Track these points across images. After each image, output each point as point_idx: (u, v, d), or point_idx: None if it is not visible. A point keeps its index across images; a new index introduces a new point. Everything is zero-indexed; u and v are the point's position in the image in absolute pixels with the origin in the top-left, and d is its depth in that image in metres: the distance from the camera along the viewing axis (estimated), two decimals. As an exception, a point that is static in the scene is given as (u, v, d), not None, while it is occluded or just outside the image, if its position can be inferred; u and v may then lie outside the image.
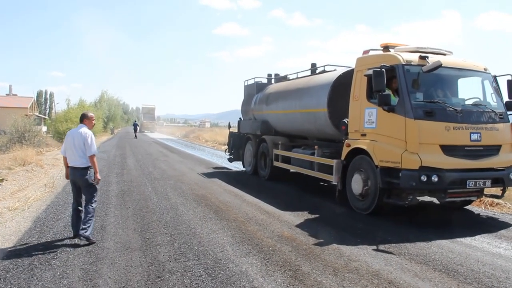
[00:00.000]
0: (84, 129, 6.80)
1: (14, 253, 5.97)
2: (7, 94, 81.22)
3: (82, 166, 6.70)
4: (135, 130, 50.80)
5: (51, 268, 5.41)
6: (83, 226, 6.57)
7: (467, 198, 8.97)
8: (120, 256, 5.90)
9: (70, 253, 6.02)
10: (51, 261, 5.66)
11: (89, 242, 6.48)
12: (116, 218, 8.13)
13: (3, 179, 11.74)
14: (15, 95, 80.00)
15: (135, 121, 61.97)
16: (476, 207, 9.97)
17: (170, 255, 5.97)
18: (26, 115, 43.60)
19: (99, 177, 6.76)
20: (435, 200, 9.97)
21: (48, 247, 6.28)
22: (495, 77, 9.21)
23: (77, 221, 6.75)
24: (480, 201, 10.09)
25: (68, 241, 6.56)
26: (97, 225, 7.48)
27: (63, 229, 7.27)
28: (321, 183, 13.15)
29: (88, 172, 6.71)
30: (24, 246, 6.33)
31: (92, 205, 6.75)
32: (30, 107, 69.74)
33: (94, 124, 7.15)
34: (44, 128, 55.32)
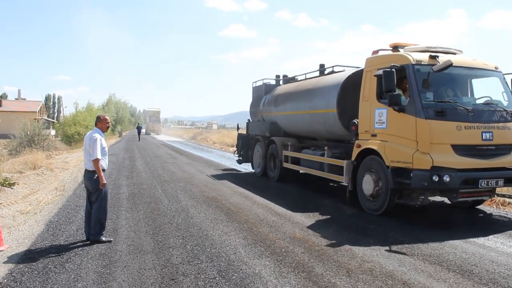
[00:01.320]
0: (94, 133, 6.84)
1: (29, 257, 6.00)
2: (16, 99, 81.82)
3: (90, 169, 6.77)
4: (139, 133, 51.92)
5: (66, 271, 5.43)
6: (91, 232, 6.71)
7: (479, 198, 8.91)
8: (133, 259, 5.92)
9: (83, 256, 6.04)
10: (65, 264, 5.68)
11: (104, 242, 6.60)
12: (127, 220, 8.15)
13: (15, 182, 11.80)
14: (24, 99, 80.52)
15: (139, 124, 63.14)
16: (487, 207, 9.91)
17: (183, 258, 5.98)
18: (35, 119, 43.87)
19: (103, 181, 6.72)
20: (446, 200, 9.92)
21: (61, 250, 6.31)
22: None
23: (89, 224, 6.82)
24: (492, 200, 10.03)
25: (81, 244, 6.59)
26: (109, 228, 7.51)
27: (75, 232, 7.30)
28: (331, 184, 13.13)
29: (96, 175, 6.74)
30: (38, 249, 6.36)
31: (99, 209, 6.77)
32: (39, 111, 70.16)
33: (108, 126, 7.15)
34: (53, 132, 55.63)
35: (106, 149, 6.98)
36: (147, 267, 5.62)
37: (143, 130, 65.19)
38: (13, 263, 5.76)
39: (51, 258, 5.95)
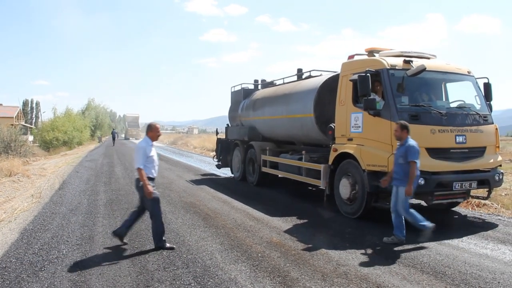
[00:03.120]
0: (141, 142, 6.86)
1: (1, 266, 5.90)
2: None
3: (137, 177, 6.77)
4: (114, 138, 52.97)
5: (39, 280, 5.36)
6: (154, 239, 6.82)
7: (454, 200, 9.05)
8: (108, 266, 5.87)
9: (58, 264, 5.97)
10: (39, 273, 5.61)
11: (167, 248, 6.65)
12: (104, 227, 8.08)
13: (-11, 190, 11.61)
14: (0, 104, 79.26)
15: (113, 129, 64.00)
16: (463, 209, 10.07)
17: (159, 264, 5.95)
18: (12, 124, 43.27)
19: (148, 190, 6.53)
20: (422, 203, 10.04)
21: (35, 258, 6.22)
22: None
23: (126, 223, 7.01)
24: (467, 202, 10.20)
25: (56, 252, 6.50)
26: (85, 235, 7.46)
27: (50, 240, 7.21)
28: (310, 188, 13.20)
29: (140, 183, 6.68)
30: (11, 258, 6.25)
31: (152, 217, 6.81)
32: (16, 117, 69.14)
33: (159, 135, 7.05)
34: (31, 138, 54.87)
35: (155, 157, 6.86)
36: (122, 274, 5.58)
37: (122, 135, 66.45)
38: (-15, 273, 5.67)
39: (24, 267, 5.86)
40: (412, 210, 7.12)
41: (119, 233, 6.93)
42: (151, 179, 6.74)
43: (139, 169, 6.60)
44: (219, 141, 17.66)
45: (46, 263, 6.02)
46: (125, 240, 6.96)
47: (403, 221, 7.14)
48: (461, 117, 8.51)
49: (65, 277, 5.47)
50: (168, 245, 6.76)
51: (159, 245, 6.71)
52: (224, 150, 16.96)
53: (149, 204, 6.78)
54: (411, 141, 7.05)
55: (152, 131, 6.90)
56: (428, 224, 6.99)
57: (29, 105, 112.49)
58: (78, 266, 5.90)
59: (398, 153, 7.14)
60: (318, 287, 5.17)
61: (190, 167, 21.43)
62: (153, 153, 6.85)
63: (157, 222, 6.79)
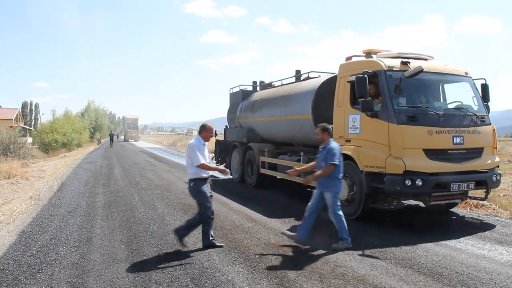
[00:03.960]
0: (193, 141, 6.85)
1: (-1, 268, 5.92)
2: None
3: (191, 177, 6.79)
4: (111, 140, 53.42)
5: (36, 282, 5.37)
6: (181, 226, 6.98)
7: (452, 201, 9.05)
8: (106, 268, 5.88)
9: (55, 266, 5.97)
10: (36, 275, 5.62)
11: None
12: (102, 229, 8.09)
13: (-12, 192, 11.62)
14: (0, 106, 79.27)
15: (111, 131, 65.25)
16: (461, 209, 10.09)
17: (157, 266, 5.96)
18: (11, 126, 43.22)
19: (223, 169, 7.15)
20: (420, 204, 10.05)
21: (33, 260, 6.23)
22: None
23: (203, 230, 6.97)
24: (465, 203, 10.21)
25: (54, 254, 6.51)
26: (83, 237, 7.47)
27: (48, 242, 7.22)
28: (308, 189, 13.18)
29: (192, 184, 6.74)
30: (9, 260, 6.27)
31: (198, 216, 6.85)
32: (15, 119, 69.05)
33: (212, 136, 7.09)
34: (30, 140, 54.85)
35: (207, 156, 6.88)
36: (120, 276, 5.59)
37: (121, 137, 67.51)
38: (-17, 275, 5.67)
39: (22, 269, 5.87)
40: (343, 218, 6.91)
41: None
42: (203, 179, 6.78)
43: (201, 165, 6.61)
44: (218, 142, 17.68)
45: (44, 265, 6.03)
46: (222, 244, 6.98)
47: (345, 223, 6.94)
48: (458, 118, 8.52)
49: (63, 279, 5.48)
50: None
51: (179, 233, 6.78)
52: (222, 152, 16.99)
53: (201, 205, 6.80)
54: (333, 143, 6.98)
55: (207, 131, 6.91)
56: (349, 240, 6.85)
57: (28, 107, 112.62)
58: (76, 268, 5.91)
59: (320, 156, 7.04)
60: (315, 288, 5.18)
61: (189, 168, 21.38)
62: (206, 152, 6.88)
63: (199, 221, 6.88)
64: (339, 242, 6.86)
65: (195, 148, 6.68)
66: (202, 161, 6.63)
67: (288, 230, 7.37)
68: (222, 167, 6.84)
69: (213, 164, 6.89)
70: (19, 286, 5.26)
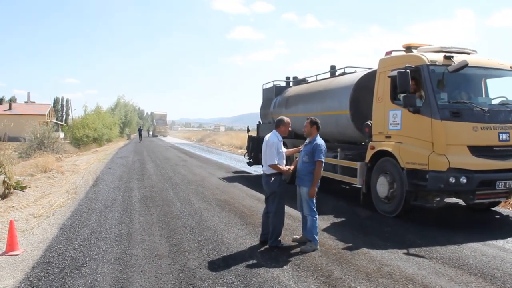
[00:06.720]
0: (271, 137, 6.70)
1: (44, 261, 5.97)
2: (25, 102, 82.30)
3: (266, 172, 6.72)
4: (140, 135, 57.59)
5: (82, 276, 5.39)
6: (269, 239, 6.67)
7: (496, 200, 8.78)
8: (149, 264, 5.87)
9: (99, 260, 5.99)
10: (81, 269, 5.64)
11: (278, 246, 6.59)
12: (141, 224, 8.11)
13: (26, 186, 11.81)
14: (33, 102, 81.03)
15: (140, 126, 70.23)
16: (503, 209, 9.78)
17: (200, 262, 5.92)
18: (45, 121, 44.04)
19: (285, 169, 6.67)
20: (460, 202, 9.79)
21: (76, 254, 6.27)
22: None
23: (264, 226, 6.85)
24: (506, 202, 9.89)
25: (96, 248, 6.54)
26: (123, 232, 7.50)
27: (90, 236, 7.27)
28: (343, 185, 13.03)
29: (272, 179, 6.65)
30: (53, 253, 6.32)
31: (275, 215, 6.67)
32: (48, 114, 70.52)
33: (289, 131, 6.99)
34: (62, 135, 55.85)
35: (284, 153, 6.81)
36: (164, 271, 5.56)
37: (150, 133, 71.39)
38: (29, 268, 5.73)
39: (66, 262, 5.91)
40: (316, 216, 6.66)
41: (274, 244, 6.67)
42: (281, 175, 6.70)
43: (273, 165, 6.54)
44: (250, 138, 17.59)
45: (87, 259, 6.06)
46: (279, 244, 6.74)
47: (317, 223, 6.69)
48: (504, 114, 8.26)
49: (107, 274, 5.49)
50: (284, 244, 6.71)
51: (274, 244, 6.59)
52: (255, 148, 16.88)
53: (276, 201, 6.67)
54: (319, 140, 6.74)
55: (285, 125, 6.78)
56: (317, 242, 6.57)
57: (60, 103, 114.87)
58: (119, 263, 5.92)
59: (304, 151, 6.80)
60: (364, 287, 5.06)
61: (220, 164, 21.46)
62: (283, 148, 6.79)
63: (279, 220, 6.71)
64: (307, 244, 6.58)
65: (274, 145, 6.55)
66: (276, 162, 6.52)
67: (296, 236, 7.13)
68: (286, 168, 6.67)
69: (285, 167, 6.73)
70: (66, 279, 5.29)
